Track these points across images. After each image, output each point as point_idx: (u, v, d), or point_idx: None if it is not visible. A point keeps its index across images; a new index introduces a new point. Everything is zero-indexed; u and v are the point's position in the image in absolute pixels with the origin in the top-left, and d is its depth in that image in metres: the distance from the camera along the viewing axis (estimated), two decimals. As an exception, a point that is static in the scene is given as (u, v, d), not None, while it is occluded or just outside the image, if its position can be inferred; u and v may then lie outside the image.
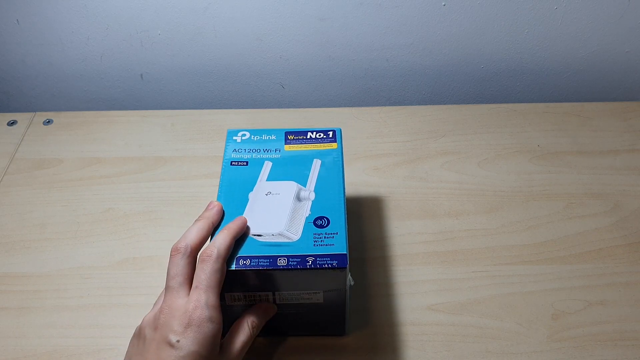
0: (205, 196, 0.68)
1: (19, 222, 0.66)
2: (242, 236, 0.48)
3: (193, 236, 0.46)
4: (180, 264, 0.45)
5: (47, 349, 0.54)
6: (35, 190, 0.70)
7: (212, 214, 0.49)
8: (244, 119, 0.80)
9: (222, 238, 0.46)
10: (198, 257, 0.46)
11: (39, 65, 0.85)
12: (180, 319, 0.43)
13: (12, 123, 0.79)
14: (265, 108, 0.85)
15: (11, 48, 0.83)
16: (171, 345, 0.42)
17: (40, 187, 0.70)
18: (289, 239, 0.48)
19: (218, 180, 0.54)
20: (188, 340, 0.42)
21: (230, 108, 0.91)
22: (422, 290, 0.59)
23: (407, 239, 0.63)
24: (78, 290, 0.59)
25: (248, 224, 0.49)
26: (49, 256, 0.62)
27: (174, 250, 0.46)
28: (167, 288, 0.45)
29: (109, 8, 0.78)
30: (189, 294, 0.44)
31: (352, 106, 0.84)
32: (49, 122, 0.79)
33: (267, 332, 0.54)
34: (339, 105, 0.90)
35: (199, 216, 0.49)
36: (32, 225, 0.66)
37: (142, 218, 0.66)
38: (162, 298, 0.46)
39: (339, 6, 0.78)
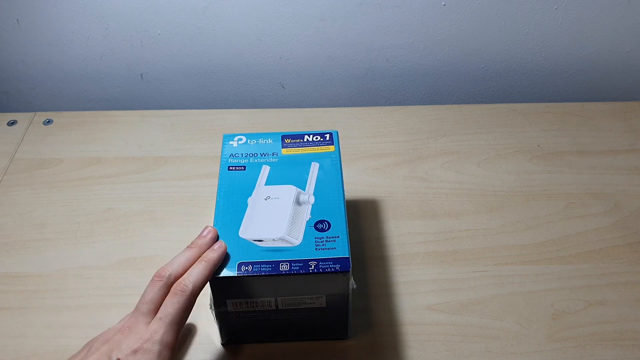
0: (205, 196, 0.68)
1: (19, 222, 0.66)
2: (242, 241, 0.48)
3: (180, 267, 0.45)
4: (159, 293, 0.44)
5: (47, 349, 0.54)
6: (35, 190, 0.70)
7: (205, 243, 0.47)
8: (243, 119, 0.80)
9: (200, 272, 0.45)
10: (173, 286, 0.45)
11: (39, 65, 0.85)
12: (132, 341, 0.42)
13: (12, 123, 0.79)
14: (265, 108, 0.85)
15: (11, 48, 0.83)
16: None
17: (40, 187, 0.70)
18: (291, 243, 0.48)
19: (217, 180, 0.54)
20: None
21: (230, 108, 0.91)
22: (422, 290, 0.59)
23: (407, 239, 0.63)
24: (78, 290, 0.59)
25: (248, 229, 0.49)
26: (49, 256, 0.62)
27: (157, 277, 0.45)
28: (137, 309, 0.45)
29: (109, 8, 0.78)
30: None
31: (352, 106, 0.84)
32: (49, 122, 0.79)
33: (268, 339, 0.54)
34: (339, 105, 0.90)
35: (192, 243, 0.47)
36: (32, 225, 0.66)
37: (142, 218, 0.66)
38: (129, 316, 0.46)
39: (339, 6, 0.78)
